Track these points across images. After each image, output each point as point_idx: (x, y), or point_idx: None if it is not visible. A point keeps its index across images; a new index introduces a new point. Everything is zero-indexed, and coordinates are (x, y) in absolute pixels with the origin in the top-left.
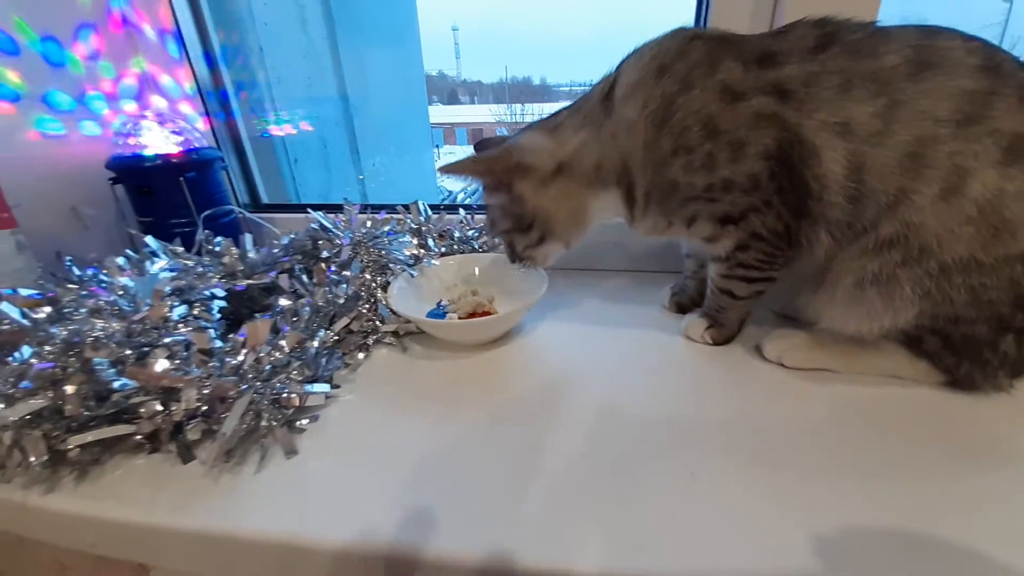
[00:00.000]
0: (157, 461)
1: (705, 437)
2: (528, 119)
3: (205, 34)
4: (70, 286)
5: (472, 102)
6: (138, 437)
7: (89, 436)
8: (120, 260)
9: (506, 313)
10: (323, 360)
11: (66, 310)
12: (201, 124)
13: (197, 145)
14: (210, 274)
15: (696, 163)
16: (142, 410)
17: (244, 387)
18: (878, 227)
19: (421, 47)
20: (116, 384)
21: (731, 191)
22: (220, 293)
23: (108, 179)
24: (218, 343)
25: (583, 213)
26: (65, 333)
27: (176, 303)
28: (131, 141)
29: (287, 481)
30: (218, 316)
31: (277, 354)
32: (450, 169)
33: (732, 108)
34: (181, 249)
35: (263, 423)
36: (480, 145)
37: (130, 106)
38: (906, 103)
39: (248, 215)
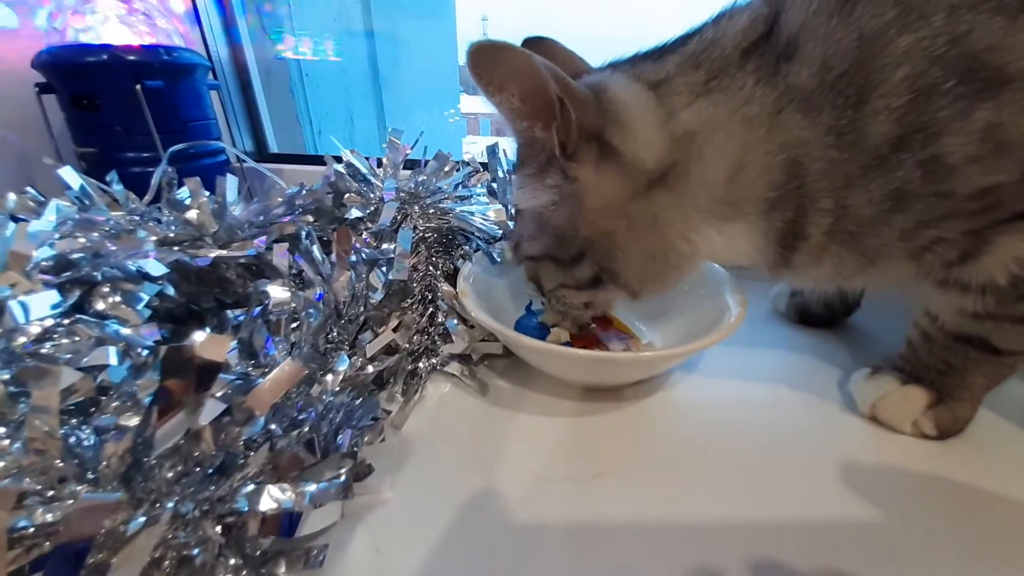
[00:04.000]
0: None
1: None
2: None
3: None
4: None
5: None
6: None
7: None
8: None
9: (678, 347)
10: (340, 418)
11: None
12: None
13: (170, 44)
14: (142, 234)
15: (958, 151)
16: None
17: (141, 518)
18: None
19: (456, 30)
20: None
21: None
22: (156, 270)
23: (34, 86)
24: (125, 376)
25: (681, 255)
26: None
27: (51, 282)
28: (74, 26)
29: None
30: (147, 315)
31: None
32: (493, 60)
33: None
34: (121, 191)
35: None
36: (533, 47)
37: None
38: None
39: (247, 162)
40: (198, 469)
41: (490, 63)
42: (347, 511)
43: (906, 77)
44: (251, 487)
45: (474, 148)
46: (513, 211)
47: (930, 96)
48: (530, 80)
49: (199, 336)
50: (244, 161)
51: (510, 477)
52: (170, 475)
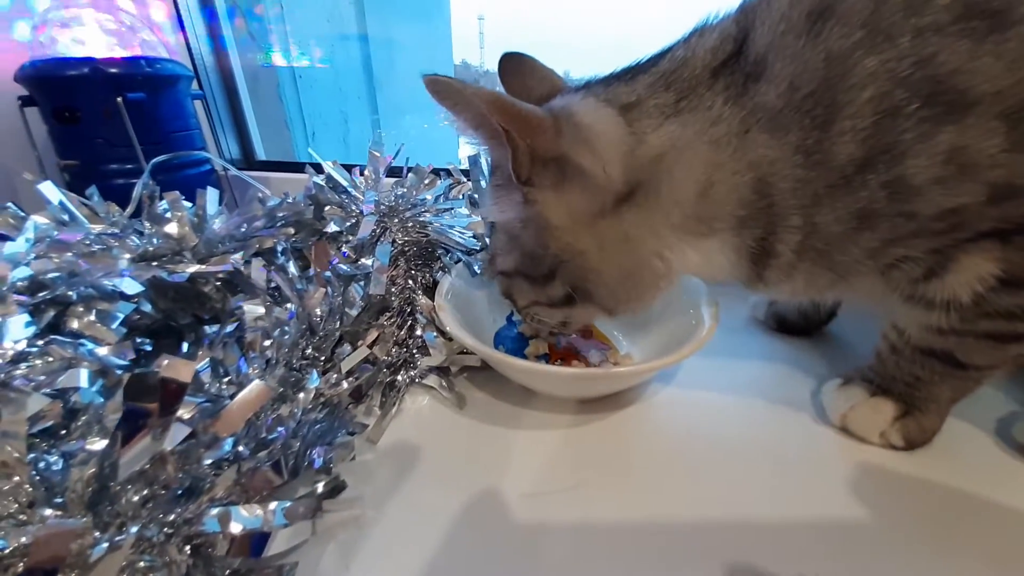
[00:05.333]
0: None
1: None
2: None
3: None
4: None
5: None
6: None
7: None
8: None
9: (649, 362)
10: (312, 436)
11: None
12: (173, 39)
13: (152, 54)
14: (116, 252)
15: (921, 173)
16: None
17: (105, 543)
18: None
19: (451, 30)
20: None
21: (1015, 197)
22: (131, 288)
23: (17, 99)
24: (96, 399)
25: (656, 273)
26: None
27: (26, 303)
28: (57, 39)
29: None
30: (123, 333)
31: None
32: (443, 92)
33: (992, 45)
34: (101, 204)
35: None
36: (509, 64)
37: None
38: None
39: (232, 171)
40: (164, 492)
41: (440, 94)
42: (319, 528)
43: (871, 98)
44: (219, 509)
45: (470, 149)
46: (488, 225)
47: (895, 118)
48: (478, 111)
49: (165, 360)
50: (228, 170)
51: (486, 492)
52: (136, 499)
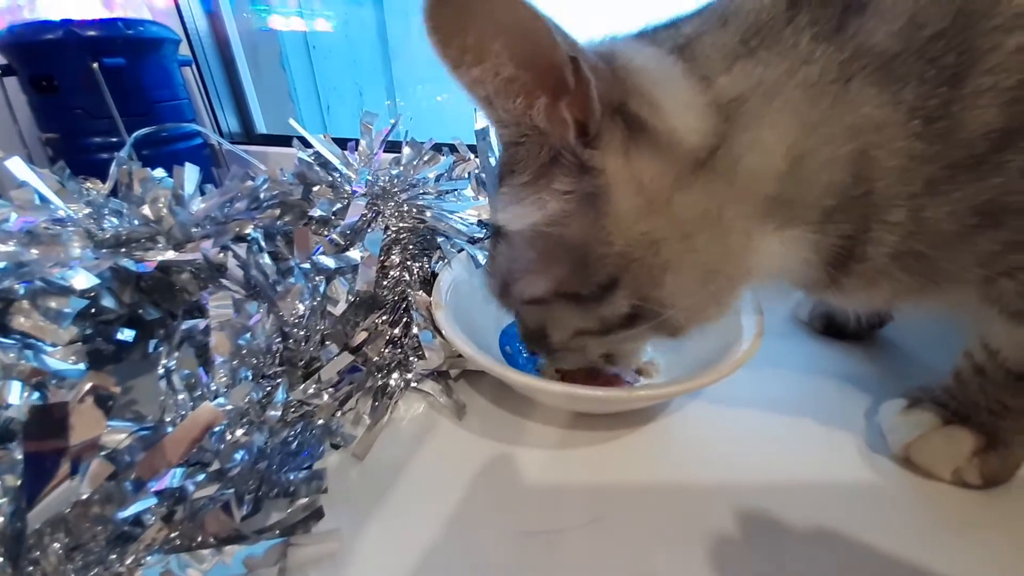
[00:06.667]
0: None
1: None
2: None
3: None
4: None
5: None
6: None
7: None
8: None
9: (673, 384)
10: (285, 455)
11: None
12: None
13: (133, 16)
14: (73, 237)
15: None
16: None
17: None
18: None
19: None
20: None
21: None
22: (83, 281)
23: None
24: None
25: (745, 269)
26: None
27: None
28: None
29: None
30: (74, 334)
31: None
32: (448, 19)
33: None
34: (69, 179)
35: None
36: None
37: None
38: None
39: (224, 144)
40: (92, 542)
41: (461, 16)
42: (290, 565)
43: (1021, 47)
44: (158, 558)
45: (486, 120)
46: (490, 246)
47: None
48: (526, 34)
49: (87, 384)
50: (221, 144)
51: (484, 525)
52: (58, 546)
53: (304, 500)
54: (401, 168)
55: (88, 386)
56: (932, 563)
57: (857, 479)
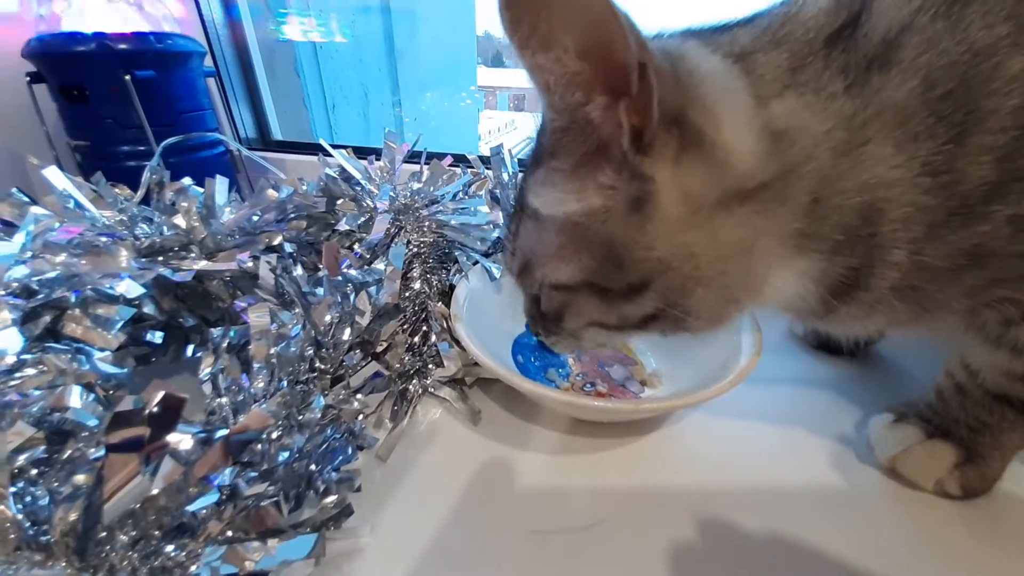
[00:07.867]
0: None
1: None
2: None
3: None
4: None
5: (517, 66)
6: None
7: None
8: None
9: (677, 397)
10: (319, 456)
11: None
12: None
13: (160, 30)
14: (120, 249)
15: None
16: None
17: None
18: None
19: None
20: None
21: None
22: (132, 290)
23: (25, 75)
24: (91, 422)
25: (756, 294)
26: None
27: (21, 307)
28: (59, 12)
29: None
30: (122, 340)
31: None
32: (524, 5)
33: None
34: (104, 187)
35: None
36: None
37: None
38: None
39: (243, 151)
40: (157, 532)
41: (538, 4)
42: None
43: (1016, 109)
44: (214, 548)
45: (491, 123)
46: (512, 222)
47: None
48: (599, 30)
49: (159, 393)
50: (241, 151)
51: (494, 524)
52: (125, 539)
53: (334, 497)
54: (421, 184)
55: (161, 394)
56: (917, 567)
57: (847, 488)
